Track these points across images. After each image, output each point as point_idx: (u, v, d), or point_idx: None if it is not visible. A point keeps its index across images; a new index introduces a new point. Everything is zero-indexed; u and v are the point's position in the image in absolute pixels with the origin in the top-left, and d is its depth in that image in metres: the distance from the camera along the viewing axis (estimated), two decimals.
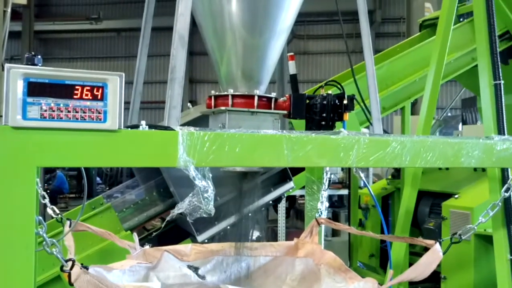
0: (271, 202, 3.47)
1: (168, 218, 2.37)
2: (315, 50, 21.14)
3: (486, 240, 3.97)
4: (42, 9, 22.31)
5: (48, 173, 16.44)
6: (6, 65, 1.40)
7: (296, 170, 4.02)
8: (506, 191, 2.56)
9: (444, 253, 2.25)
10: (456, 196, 4.53)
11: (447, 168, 5.40)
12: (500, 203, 2.52)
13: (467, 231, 2.37)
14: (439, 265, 4.37)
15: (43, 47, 22.31)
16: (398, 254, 3.80)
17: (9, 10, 6.72)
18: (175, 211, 2.03)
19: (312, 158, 1.87)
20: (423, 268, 2.23)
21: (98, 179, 17.37)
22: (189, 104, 3.83)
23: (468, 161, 2.20)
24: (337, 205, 9.22)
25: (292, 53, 3.77)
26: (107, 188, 15.95)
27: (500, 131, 3.05)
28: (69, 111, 1.50)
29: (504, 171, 2.93)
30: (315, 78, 19.60)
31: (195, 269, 2.72)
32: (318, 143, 1.88)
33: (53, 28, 22.02)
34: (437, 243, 2.25)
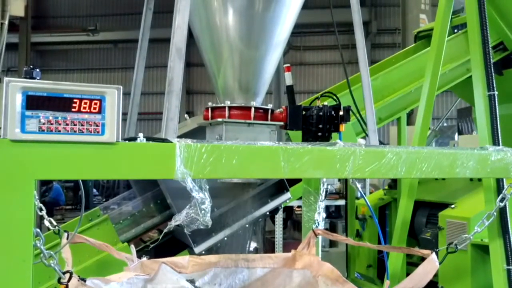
0: (268, 213, 3.47)
1: (165, 230, 2.37)
2: (311, 61, 21.24)
3: (483, 250, 3.97)
4: (39, 21, 22.35)
5: (45, 184, 16.36)
6: (5, 79, 1.41)
7: (293, 181, 4.03)
8: (501, 201, 2.58)
9: (440, 263, 2.26)
10: (452, 206, 4.53)
11: (443, 178, 5.41)
12: (495, 213, 2.54)
13: (463, 241, 2.38)
14: (436, 276, 4.39)
15: (40, 59, 22.34)
16: (395, 265, 3.81)
17: (6, 22, 6.76)
18: (173, 223, 2.04)
19: (309, 169, 1.88)
20: (420, 277, 2.24)
21: (94, 190, 17.31)
22: (186, 115, 3.84)
23: (463, 171, 2.21)
24: (334, 216, 9.22)
25: (288, 64, 3.79)
26: (104, 200, 15.89)
27: (495, 142, 3.07)
28: (67, 124, 1.51)
29: (499, 181, 2.94)
30: (312, 89, 19.68)
31: (191, 282, 2.71)
32: (315, 155, 1.89)
33: (50, 40, 22.06)
34: (433, 253, 2.26)
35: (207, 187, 1.80)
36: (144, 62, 3.65)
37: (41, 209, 2.31)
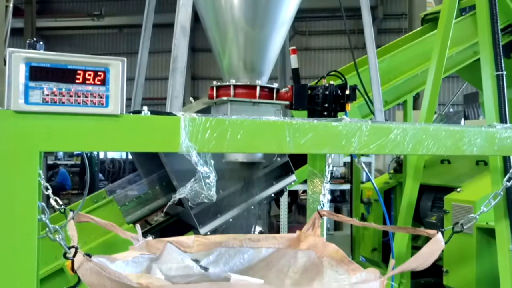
0: (273, 195, 3.47)
1: (170, 203, 2.37)
2: (316, 46, 21.13)
3: (488, 233, 3.97)
4: (44, 6, 22.32)
5: (51, 169, 16.47)
6: (8, 50, 1.40)
7: (298, 164, 4.02)
8: (508, 180, 2.55)
9: (446, 243, 2.24)
10: (458, 189, 4.52)
11: (449, 162, 5.40)
12: (502, 193, 2.51)
13: (469, 221, 2.35)
14: (441, 259, 4.39)
15: (45, 44, 22.00)
16: (400, 247, 3.80)
17: (11, 5, 6.72)
18: (177, 196, 2.03)
19: (314, 145, 1.86)
20: (425, 257, 2.22)
21: (100, 175, 17.40)
22: (191, 98, 3.83)
23: (470, 149, 2.18)
24: (339, 200, 9.24)
25: (294, 47, 3.77)
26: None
27: (502, 121, 3.04)
28: (71, 96, 1.50)
29: (506, 161, 2.92)
30: (317, 74, 19.57)
31: (196, 261, 2.72)
32: (320, 130, 1.87)
33: (55, 25, 22.05)
34: (439, 233, 2.24)
35: (212, 161, 1.79)
36: (148, 41, 3.62)
37: (47, 188, 2.31)
